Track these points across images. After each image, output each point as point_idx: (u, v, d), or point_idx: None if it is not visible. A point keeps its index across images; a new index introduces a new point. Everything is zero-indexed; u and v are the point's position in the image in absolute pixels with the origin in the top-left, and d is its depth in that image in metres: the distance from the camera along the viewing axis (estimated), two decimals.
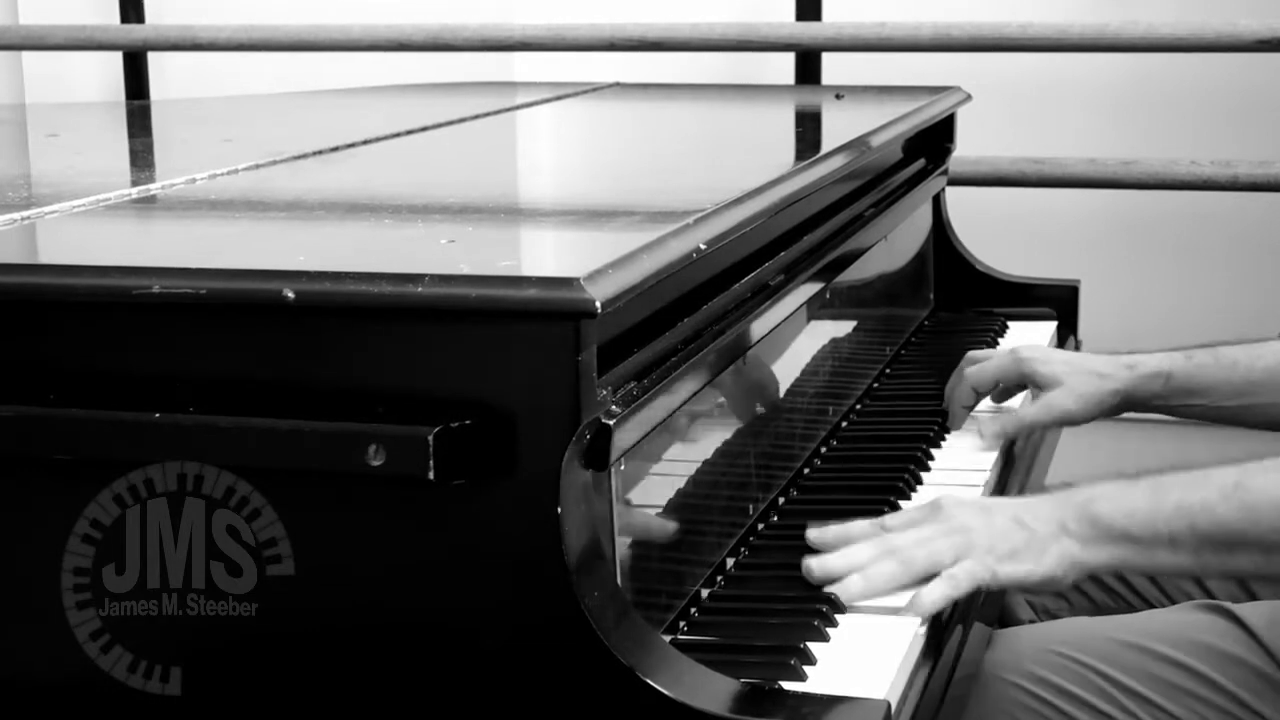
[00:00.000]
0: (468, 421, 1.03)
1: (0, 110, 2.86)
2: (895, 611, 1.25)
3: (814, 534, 1.33)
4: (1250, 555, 1.29)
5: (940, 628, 1.27)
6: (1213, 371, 1.65)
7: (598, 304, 1.00)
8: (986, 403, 1.77)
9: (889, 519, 1.34)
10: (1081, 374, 1.66)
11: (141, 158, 1.98)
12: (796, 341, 1.59)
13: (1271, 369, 1.63)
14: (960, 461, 1.63)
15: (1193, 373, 1.65)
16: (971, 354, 1.76)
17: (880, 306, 1.97)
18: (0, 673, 1.14)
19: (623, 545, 1.14)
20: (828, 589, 1.26)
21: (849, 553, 1.29)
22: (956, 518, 1.31)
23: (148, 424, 1.07)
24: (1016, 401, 1.78)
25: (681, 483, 1.28)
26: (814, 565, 1.28)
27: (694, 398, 1.27)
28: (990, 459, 1.63)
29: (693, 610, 1.25)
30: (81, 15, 3.26)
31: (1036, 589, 1.34)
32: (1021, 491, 1.65)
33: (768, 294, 1.44)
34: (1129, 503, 1.31)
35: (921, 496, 1.52)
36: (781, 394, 1.53)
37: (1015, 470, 1.68)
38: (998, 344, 2.07)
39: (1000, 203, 2.86)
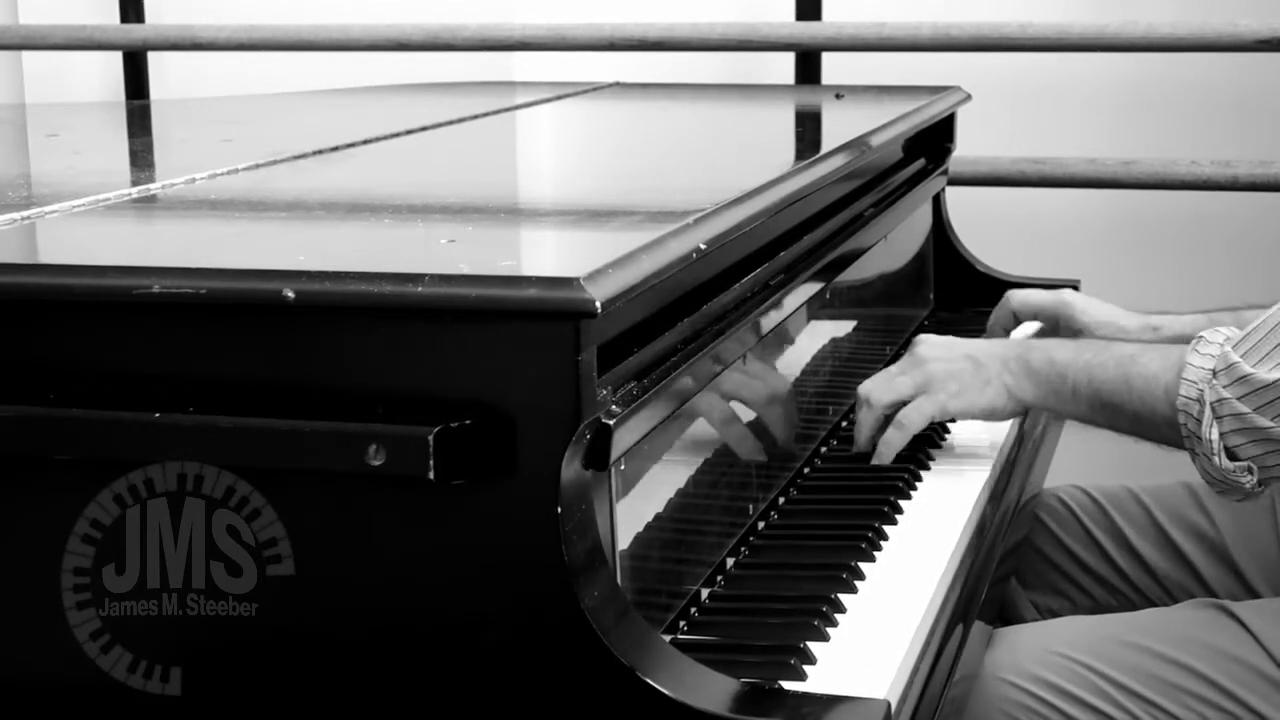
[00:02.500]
0: (468, 421, 1.03)
1: (0, 110, 2.86)
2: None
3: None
4: (1126, 419, 1.48)
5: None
6: None
7: (598, 304, 1.00)
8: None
9: (878, 374, 1.61)
10: (1110, 329, 1.81)
11: (141, 158, 1.97)
12: (796, 341, 1.59)
13: None
14: (960, 462, 1.63)
15: None
16: (1015, 290, 1.93)
17: (880, 306, 1.97)
18: (0, 673, 1.14)
19: (623, 545, 1.14)
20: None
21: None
22: (921, 357, 1.57)
23: (148, 424, 1.07)
24: None
25: (681, 483, 1.28)
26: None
27: (694, 398, 1.27)
28: (989, 461, 1.63)
29: (693, 610, 1.25)
30: (81, 15, 3.25)
31: (980, 417, 1.57)
32: (1022, 491, 1.66)
33: (768, 294, 1.44)
34: (1054, 353, 1.53)
35: (921, 495, 1.52)
36: (781, 394, 1.53)
37: (1016, 470, 1.68)
38: None
39: (1000, 203, 2.86)
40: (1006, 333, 1.89)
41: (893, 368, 1.60)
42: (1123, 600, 1.74)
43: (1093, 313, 1.83)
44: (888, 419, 1.57)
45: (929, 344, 1.59)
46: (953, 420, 1.61)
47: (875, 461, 1.56)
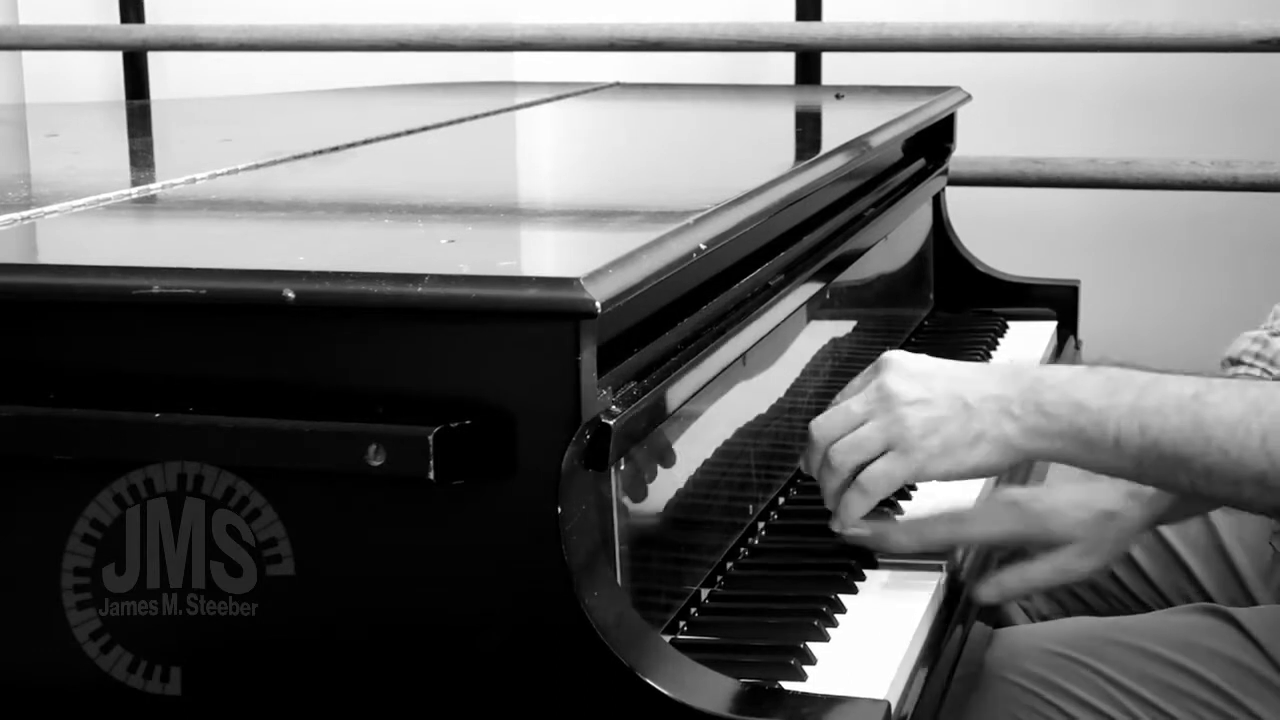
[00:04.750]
0: (468, 421, 1.03)
1: (0, 110, 2.86)
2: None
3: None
4: (1191, 474, 1.22)
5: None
6: None
7: (598, 304, 1.00)
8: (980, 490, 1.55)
9: (834, 411, 1.31)
10: (1094, 521, 1.39)
11: (141, 158, 1.98)
12: (796, 341, 1.59)
13: None
14: None
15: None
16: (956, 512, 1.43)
17: (880, 306, 1.97)
18: (0, 673, 1.14)
19: (622, 545, 1.14)
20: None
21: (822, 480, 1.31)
22: (890, 393, 1.27)
23: (148, 424, 1.07)
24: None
25: (681, 483, 1.28)
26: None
27: (694, 398, 1.27)
28: None
29: (693, 610, 1.25)
30: (81, 15, 3.26)
31: (968, 478, 1.29)
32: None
33: (768, 294, 1.44)
34: (1080, 395, 1.24)
35: (921, 495, 1.52)
36: (781, 394, 1.53)
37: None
38: (998, 344, 2.07)
39: (1000, 203, 2.86)
40: None
41: (853, 403, 1.29)
42: (1116, 605, 1.74)
43: (1065, 512, 1.39)
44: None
45: (899, 371, 1.28)
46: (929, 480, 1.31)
47: (836, 528, 1.30)
